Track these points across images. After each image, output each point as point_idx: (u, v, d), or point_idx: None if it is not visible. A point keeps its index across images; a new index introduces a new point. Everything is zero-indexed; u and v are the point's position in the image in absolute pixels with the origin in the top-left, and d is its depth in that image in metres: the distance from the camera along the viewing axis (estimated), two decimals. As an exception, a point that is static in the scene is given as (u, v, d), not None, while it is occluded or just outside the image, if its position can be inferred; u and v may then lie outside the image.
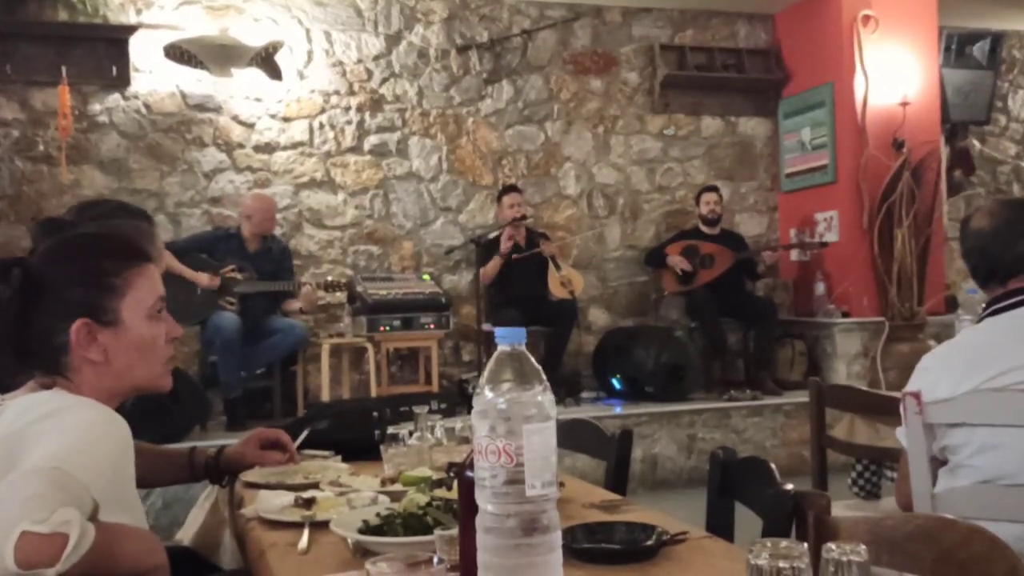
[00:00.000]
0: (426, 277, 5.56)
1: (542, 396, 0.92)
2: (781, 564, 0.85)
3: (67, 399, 1.23)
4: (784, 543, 0.87)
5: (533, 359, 0.95)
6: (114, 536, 1.10)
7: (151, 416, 4.05)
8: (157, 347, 1.37)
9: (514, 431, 0.89)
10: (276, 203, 5.27)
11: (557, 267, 5.48)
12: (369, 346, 5.13)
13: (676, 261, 5.77)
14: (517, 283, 5.40)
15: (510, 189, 5.64)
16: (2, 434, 1.19)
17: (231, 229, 5.07)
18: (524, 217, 5.52)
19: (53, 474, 1.05)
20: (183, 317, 4.73)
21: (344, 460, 1.99)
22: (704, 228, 5.88)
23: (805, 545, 0.86)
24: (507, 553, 0.90)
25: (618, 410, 5.21)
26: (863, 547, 0.87)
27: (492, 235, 5.52)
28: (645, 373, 5.42)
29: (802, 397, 4.69)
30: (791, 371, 5.88)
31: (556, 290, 5.44)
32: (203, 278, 4.75)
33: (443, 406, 2.43)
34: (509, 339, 0.94)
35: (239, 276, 4.85)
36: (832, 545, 0.88)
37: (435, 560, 0.96)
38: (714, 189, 5.95)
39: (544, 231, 5.79)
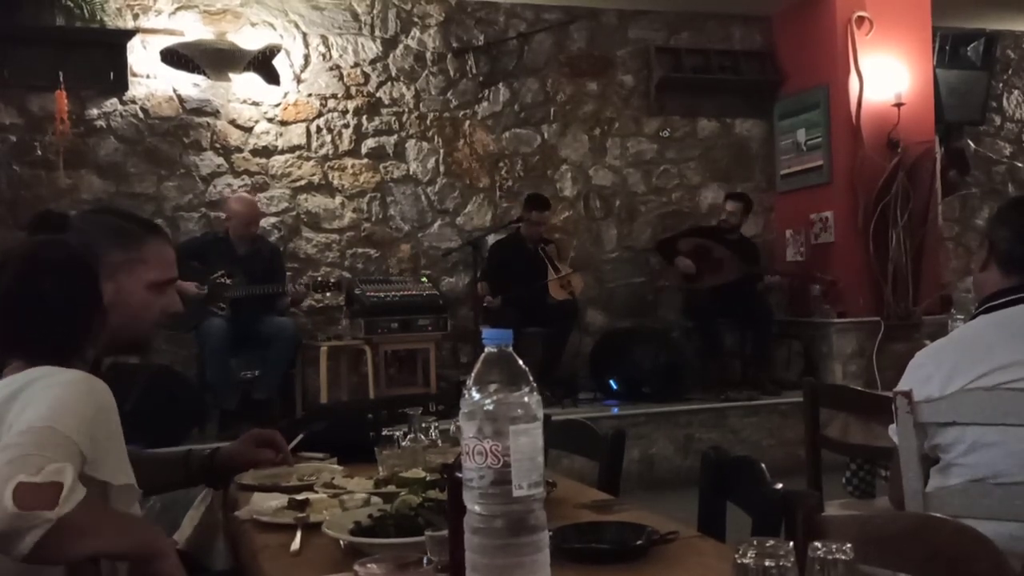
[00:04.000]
0: (424, 279, 5.57)
1: (529, 397, 0.93)
2: (767, 563, 0.86)
3: (47, 369, 1.28)
4: (770, 542, 0.87)
5: (520, 360, 0.95)
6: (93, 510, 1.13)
7: (149, 418, 4.05)
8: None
9: (501, 432, 0.90)
10: (259, 204, 5.26)
11: (556, 269, 5.49)
12: (367, 348, 5.14)
13: (684, 265, 5.72)
14: (517, 285, 5.40)
15: (543, 205, 5.50)
16: None
17: (219, 233, 5.07)
18: (547, 241, 5.56)
19: (44, 432, 1.12)
20: (174, 325, 4.73)
21: (340, 462, 1.99)
22: (723, 231, 5.82)
23: (791, 544, 0.87)
24: (495, 553, 0.91)
25: (615, 411, 5.22)
26: (848, 546, 0.88)
27: (492, 238, 5.54)
28: (642, 374, 5.43)
29: (798, 397, 4.65)
30: (788, 371, 5.89)
31: (555, 292, 5.45)
32: (190, 287, 4.69)
33: (441, 407, 2.43)
34: (496, 340, 0.95)
35: (228, 281, 4.84)
36: (818, 544, 0.88)
37: (424, 561, 0.97)
38: (739, 197, 5.83)
39: (543, 234, 5.81)
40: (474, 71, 5.96)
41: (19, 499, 1.03)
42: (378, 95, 5.79)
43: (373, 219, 5.78)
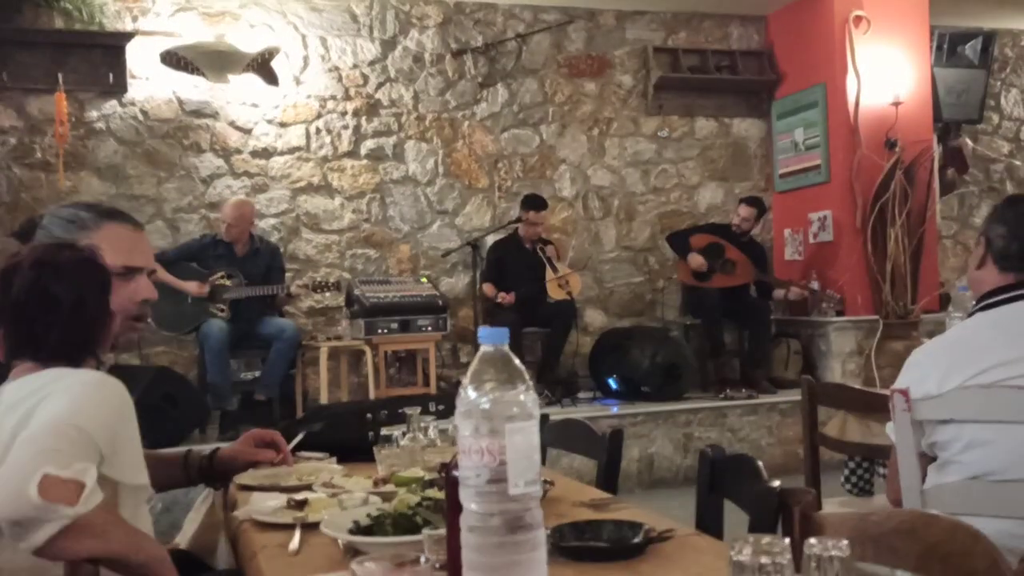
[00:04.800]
0: (423, 280, 5.58)
1: (524, 395, 0.93)
2: (763, 560, 0.86)
3: (62, 371, 1.31)
4: (766, 539, 0.87)
5: (516, 359, 0.96)
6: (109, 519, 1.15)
7: (149, 420, 4.03)
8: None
9: (497, 430, 0.90)
10: (253, 205, 5.26)
11: (554, 269, 5.50)
12: (367, 349, 5.14)
13: (696, 264, 5.70)
14: (515, 285, 5.42)
15: (540, 205, 5.49)
16: (6, 405, 1.26)
17: (218, 235, 5.08)
18: (546, 242, 5.54)
19: (69, 431, 1.15)
20: (174, 326, 4.75)
21: (339, 462, 2.00)
22: (735, 233, 5.82)
23: (787, 541, 0.87)
24: (491, 552, 0.91)
25: (615, 410, 5.22)
26: (845, 542, 0.88)
27: (491, 238, 5.53)
28: (641, 373, 5.43)
29: (797, 396, 4.66)
30: (786, 370, 5.89)
31: (553, 291, 5.46)
32: (192, 287, 4.75)
33: (441, 407, 2.44)
34: (492, 339, 0.95)
35: (228, 283, 4.86)
36: (814, 540, 0.88)
37: (422, 559, 0.97)
38: (753, 202, 5.78)
39: (541, 234, 5.82)
40: (472, 72, 5.97)
41: (43, 490, 1.05)
42: (377, 96, 5.80)
43: (372, 220, 5.79)
